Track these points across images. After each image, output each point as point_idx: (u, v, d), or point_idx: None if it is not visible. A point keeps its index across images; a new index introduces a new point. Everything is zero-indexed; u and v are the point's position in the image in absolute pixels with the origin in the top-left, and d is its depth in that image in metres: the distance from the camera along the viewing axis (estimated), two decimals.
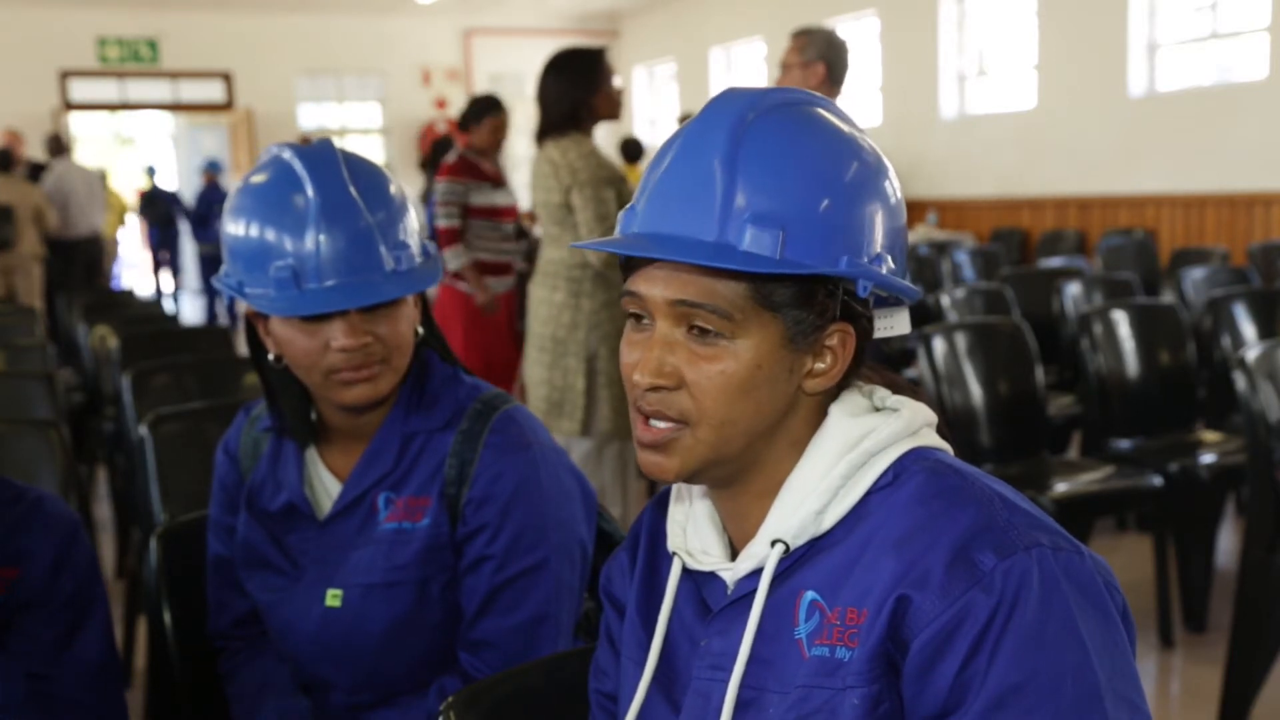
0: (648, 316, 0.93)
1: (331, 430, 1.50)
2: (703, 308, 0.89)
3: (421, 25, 14.18)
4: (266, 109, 13.54)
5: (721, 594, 0.98)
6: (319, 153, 1.40)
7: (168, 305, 8.47)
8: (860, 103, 10.38)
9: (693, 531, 1.02)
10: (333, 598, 1.45)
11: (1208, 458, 3.42)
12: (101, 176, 10.28)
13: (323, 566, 1.47)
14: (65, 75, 12.83)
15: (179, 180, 15.08)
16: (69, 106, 12.94)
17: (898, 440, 0.94)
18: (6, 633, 1.34)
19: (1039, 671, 0.82)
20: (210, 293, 11.61)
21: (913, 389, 1.03)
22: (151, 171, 13.05)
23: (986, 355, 3.45)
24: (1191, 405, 3.81)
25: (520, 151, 12.27)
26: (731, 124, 0.90)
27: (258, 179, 1.40)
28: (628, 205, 0.96)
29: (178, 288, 13.42)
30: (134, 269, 15.09)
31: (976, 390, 3.41)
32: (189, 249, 13.09)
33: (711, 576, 0.99)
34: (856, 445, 0.94)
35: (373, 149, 14.24)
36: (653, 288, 0.91)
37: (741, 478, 0.96)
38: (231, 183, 12.70)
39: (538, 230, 4.16)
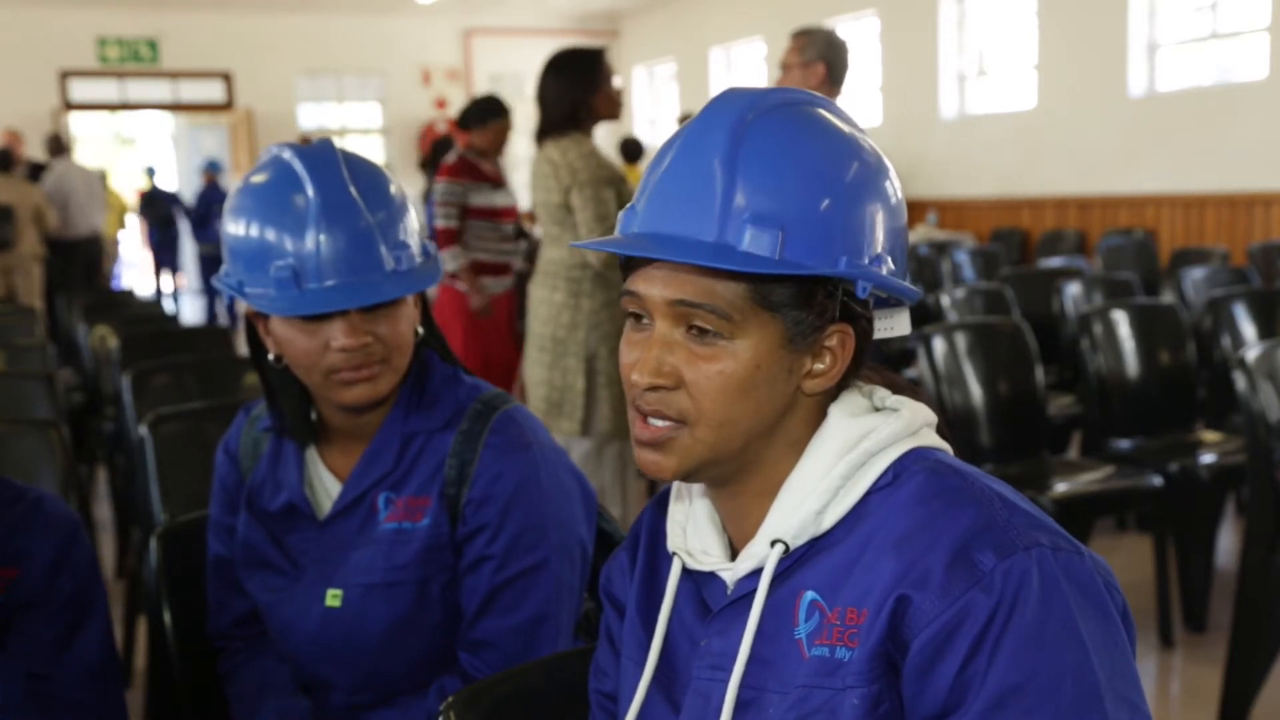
0: (647, 316, 0.93)
1: (331, 430, 1.50)
2: (701, 308, 0.89)
3: (421, 25, 14.18)
4: (266, 109, 13.54)
5: (721, 594, 0.98)
6: (319, 153, 1.40)
7: (168, 305, 8.48)
8: (860, 103, 10.38)
9: (693, 531, 1.02)
10: (333, 598, 1.45)
11: (1208, 458, 3.42)
12: (101, 176, 10.28)
13: (323, 566, 1.47)
14: (65, 75, 12.83)
15: (179, 180, 15.09)
16: (69, 106, 12.94)
17: (897, 440, 0.94)
18: (6, 633, 1.34)
19: (1039, 671, 0.82)
20: (210, 293, 11.61)
21: (913, 389, 1.02)
22: (151, 172, 13.05)
23: (986, 355, 3.45)
24: (1191, 405, 3.81)
25: (520, 151, 12.26)
26: (731, 124, 0.90)
27: (258, 179, 1.40)
28: (628, 205, 0.96)
29: (177, 288, 13.43)
30: (134, 269, 15.09)
31: (976, 390, 3.41)
32: (189, 249, 13.09)
33: (711, 576, 0.99)
34: (856, 445, 0.94)
35: (373, 149, 14.24)
36: (652, 287, 0.91)
37: (740, 477, 0.96)
38: (231, 183, 12.70)
39: (537, 231, 4.16)
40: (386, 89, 14.35)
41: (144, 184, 13.14)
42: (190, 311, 12.44)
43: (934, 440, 0.97)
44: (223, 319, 11.14)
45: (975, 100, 9.66)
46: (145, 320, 4.89)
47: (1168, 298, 5.03)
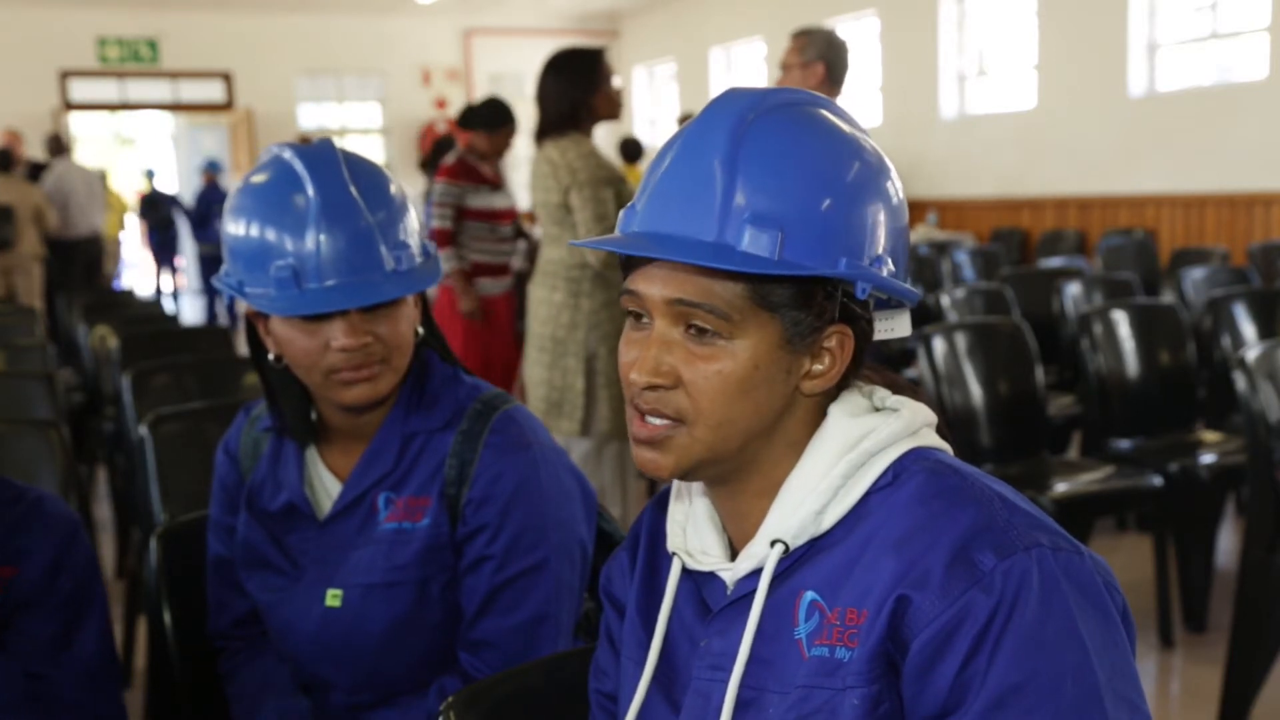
0: (646, 315, 0.93)
1: (331, 430, 1.50)
2: (700, 307, 0.89)
3: (421, 25, 14.18)
4: (266, 109, 13.54)
5: (721, 594, 0.98)
6: (319, 153, 1.40)
7: (168, 305, 8.47)
8: (860, 103, 10.38)
9: (692, 531, 1.02)
10: (333, 598, 1.45)
11: (1208, 458, 3.42)
12: (101, 176, 10.29)
13: (323, 566, 1.47)
14: (65, 75, 12.83)
15: (179, 180, 15.09)
16: (69, 106, 12.94)
17: (897, 440, 0.94)
18: (5, 632, 1.34)
19: (1039, 671, 0.82)
20: (210, 293, 11.61)
21: (913, 389, 1.03)
22: (150, 174, 13.06)
23: (986, 355, 3.45)
24: (1191, 405, 3.81)
25: (520, 151, 12.25)
26: (732, 124, 0.90)
27: (258, 179, 1.40)
28: (627, 205, 0.96)
29: (177, 288, 13.43)
30: (134, 269, 15.09)
31: (976, 390, 3.41)
32: (189, 250, 13.10)
33: (711, 576, 0.99)
34: (856, 445, 0.93)
35: (373, 149, 14.24)
36: (651, 286, 0.91)
37: (739, 477, 0.96)
38: (231, 183, 12.70)
39: (537, 231, 4.16)
40: (386, 89, 14.35)
41: (143, 186, 13.15)
42: (190, 311, 12.44)
43: (934, 440, 0.97)
44: (223, 319, 11.14)
45: (975, 100, 9.66)
46: (145, 320, 4.89)
47: (1168, 298, 5.03)
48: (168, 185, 14.19)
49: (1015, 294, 4.81)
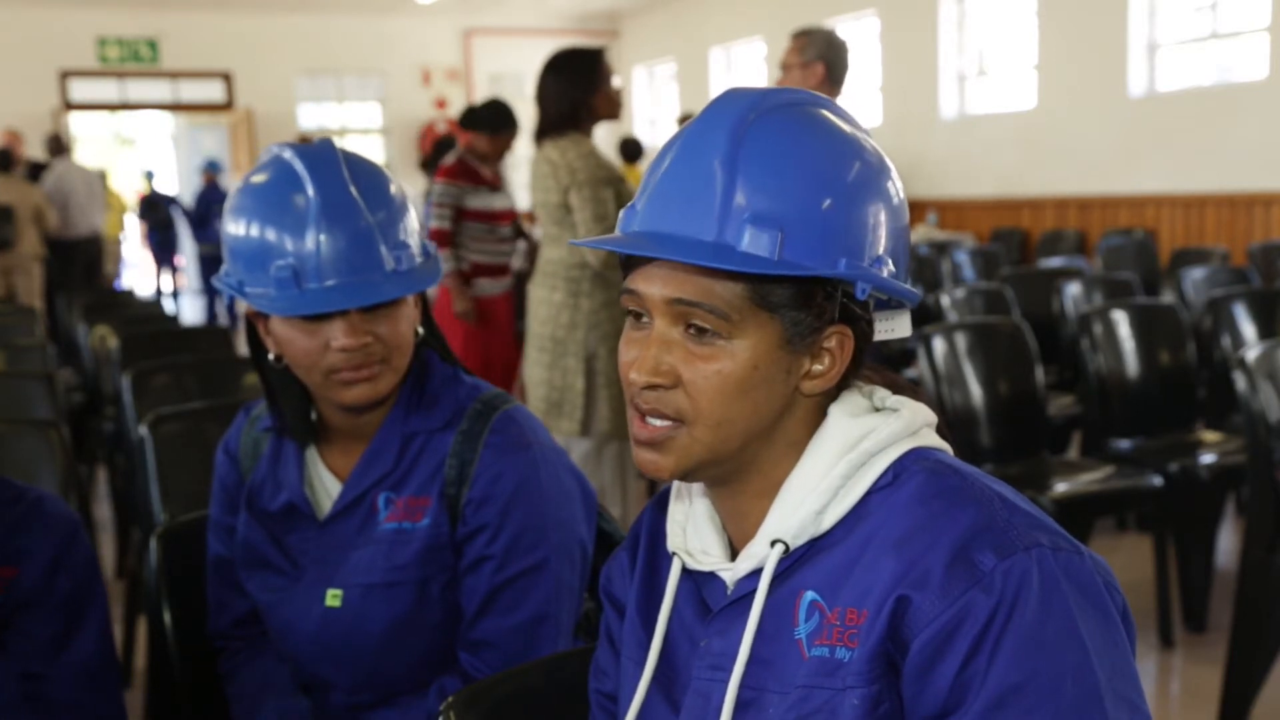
0: (646, 315, 0.93)
1: (331, 430, 1.50)
2: (700, 307, 0.89)
3: (421, 25, 14.18)
4: (266, 109, 13.54)
5: (721, 594, 0.98)
6: (319, 152, 1.40)
7: (168, 305, 8.47)
8: (860, 103, 10.38)
9: (692, 531, 1.02)
10: (333, 598, 1.45)
11: (1208, 458, 3.42)
12: (101, 176, 10.29)
13: (323, 566, 1.47)
14: (65, 75, 12.83)
15: (179, 180, 15.09)
16: (69, 106, 12.94)
17: (897, 440, 0.94)
18: (5, 631, 1.34)
19: (1039, 672, 0.82)
20: (210, 293, 11.61)
21: (913, 389, 1.03)
22: (150, 176, 13.06)
23: (986, 355, 3.45)
24: (1191, 405, 3.81)
25: (520, 151, 12.26)
26: (732, 124, 0.90)
27: (258, 179, 1.40)
28: (628, 205, 0.96)
29: (177, 288, 13.43)
30: (135, 269, 15.09)
31: (976, 390, 3.41)
32: (189, 250, 13.10)
33: (711, 576, 0.99)
34: (856, 445, 0.93)
35: (373, 149, 14.24)
36: (651, 286, 0.91)
37: (739, 477, 0.96)
38: (231, 183, 12.70)
39: (537, 231, 4.16)
40: (386, 89, 14.35)
41: (143, 187, 13.15)
42: (190, 311, 12.44)
43: (934, 440, 0.97)
44: (223, 319, 11.15)
45: (975, 100, 9.66)
46: (145, 320, 4.89)
47: (1168, 298, 5.03)
48: (167, 186, 14.19)
49: (1015, 294, 4.81)
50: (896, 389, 1.01)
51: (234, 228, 1.38)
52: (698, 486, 1.03)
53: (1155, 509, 3.41)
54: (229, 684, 1.56)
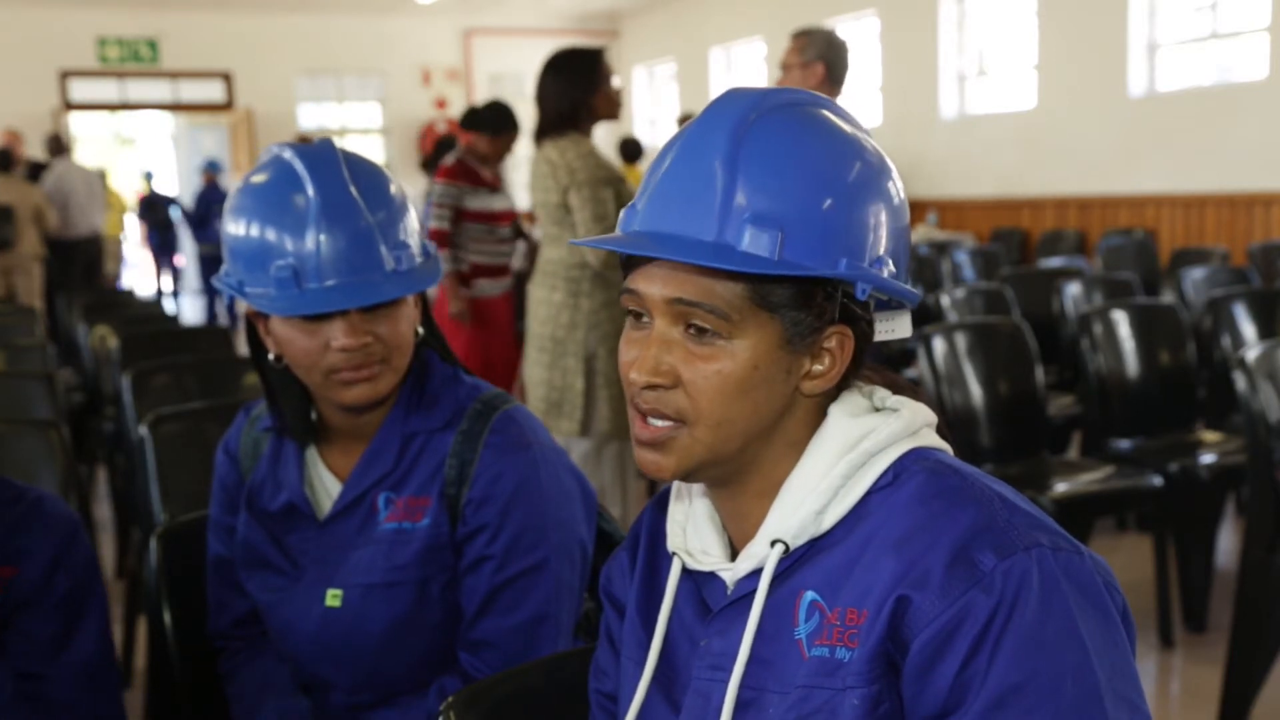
0: (646, 315, 0.93)
1: (332, 430, 1.50)
2: (700, 307, 0.89)
3: (421, 25, 14.18)
4: (266, 109, 13.54)
5: (721, 594, 0.98)
6: (319, 152, 1.40)
7: (168, 305, 8.48)
8: (860, 103, 10.38)
9: (692, 531, 1.02)
10: (333, 598, 1.45)
11: (1208, 458, 3.42)
12: (101, 176, 10.29)
13: (323, 566, 1.47)
14: (65, 75, 12.83)
15: (179, 180, 15.08)
16: (69, 106, 12.94)
17: (897, 440, 0.94)
18: (5, 631, 1.34)
19: (1039, 672, 0.82)
20: (210, 293, 11.62)
21: (913, 389, 1.02)
22: (149, 176, 13.06)
23: (986, 355, 3.45)
24: (1191, 405, 3.81)
25: (520, 151, 12.26)
26: (733, 124, 0.90)
27: (258, 179, 1.40)
28: (628, 205, 0.96)
29: (178, 288, 13.43)
30: (135, 269, 15.10)
31: (976, 390, 3.41)
32: (189, 250, 13.10)
33: (711, 576, 0.99)
34: (856, 445, 0.93)
35: (373, 149, 14.24)
36: (651, 286, 0.91)
37: (740, 477, 0.96)
38: (231, 183, 12.70)
39: (537, 231, 4.16)
40: (386, 89, 14.35)
41: (142, 188, 13.15)
42: (190, 311, 12.44)
43: (934, 440, 0.97)
44: (223, 319, 11.15)
45: (975, 100, 9.66)
46: (145, 320, 4.89)
47: (1168, 298, 5.03)
48: (167, 187, 14.19)
49: (1015, 294, 4.82)
50: (896, 389, 1.01)
51: (234, 228, 1.38)
52: (698, 486, 1.03)
53: (1155, 509, 3.41)
54: (229, 684, 1.57)
